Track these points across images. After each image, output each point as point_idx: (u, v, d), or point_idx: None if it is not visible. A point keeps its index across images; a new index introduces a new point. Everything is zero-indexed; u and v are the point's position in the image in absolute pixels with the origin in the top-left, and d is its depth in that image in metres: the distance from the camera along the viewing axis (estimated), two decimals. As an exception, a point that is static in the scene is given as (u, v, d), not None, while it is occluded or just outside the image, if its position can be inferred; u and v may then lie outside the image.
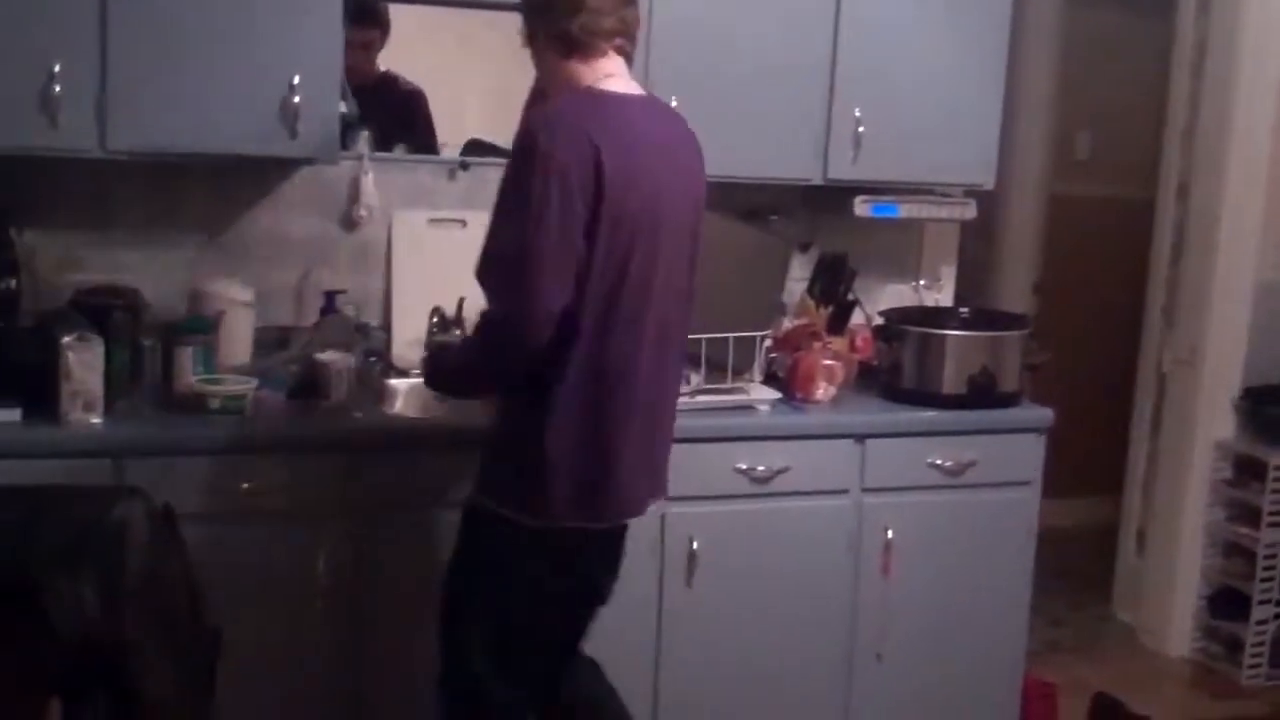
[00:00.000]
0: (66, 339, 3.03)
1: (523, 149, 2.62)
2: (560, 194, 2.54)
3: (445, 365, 2.98)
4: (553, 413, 2.65)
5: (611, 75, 2.74)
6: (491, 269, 2.64)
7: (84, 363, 3.02)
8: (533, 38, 2.82)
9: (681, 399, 3.42)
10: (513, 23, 3.74)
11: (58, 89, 3.07)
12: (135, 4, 3.13)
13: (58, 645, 2.42)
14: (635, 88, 2.78)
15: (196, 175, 3.50)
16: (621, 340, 2.67)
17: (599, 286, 2.61)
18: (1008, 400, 3.74)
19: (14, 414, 3.02)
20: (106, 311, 3.22)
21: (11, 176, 3.18)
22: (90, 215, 3.49)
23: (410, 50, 3.81)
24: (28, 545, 2.41)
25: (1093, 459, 5.42)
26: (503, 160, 3.72)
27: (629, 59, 2.80)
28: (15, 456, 2.91)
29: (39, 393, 3.04)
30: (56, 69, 3.07)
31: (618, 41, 2.75)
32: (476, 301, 3.74)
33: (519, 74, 3.82)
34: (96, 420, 3.03)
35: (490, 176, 3.78)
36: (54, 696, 2.48)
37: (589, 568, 2.89)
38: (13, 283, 3.16)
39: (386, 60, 3.79)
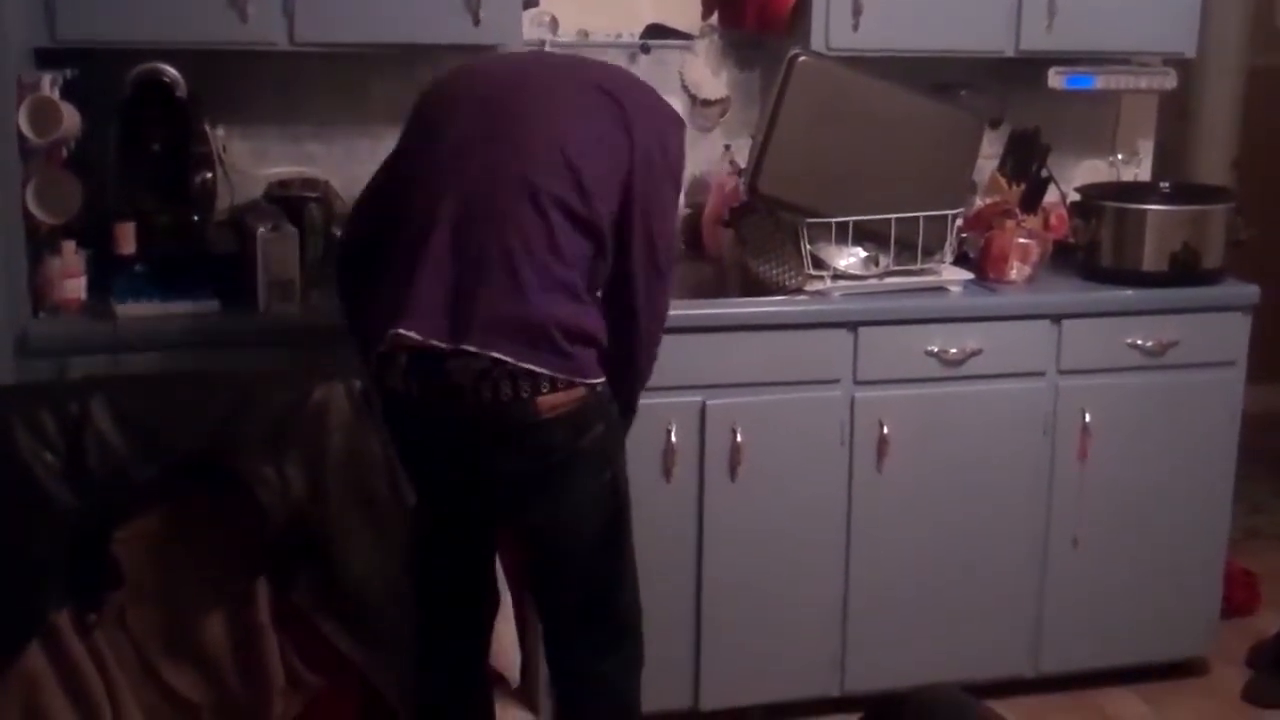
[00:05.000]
0: (262, 230, 3.09)
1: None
2: None
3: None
4: None
5: None
6: None
7: (280, 253, 3.09)
8: None
9: (870, 280, 3.39)
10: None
11: (247, -18, 3.10)
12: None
13: (265, 526, 2.49)
14: None
15: (382, 65, 3.51)
16: None
17: None
18: (1211, 277, 3.60)
19: (212, 305, 3.10)
20: (300, 203, 3.29)
21: (205, 72, 3.22)
22: (280, 109, 3.53)
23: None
24: (234, 430, 2.47)
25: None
26: (683, 43, 3.75)
27: None
28: (215, 346, 3.00)
29: (236, 284, 3.13)
30: (244, -38, 3.10)
31: None
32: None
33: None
34: (293, 309, 3.10)
35: (670, 60, 3.77)
36: (261, 576, 2.55)
37: None
38: (208, 176, 3.21)
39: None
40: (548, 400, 2.49)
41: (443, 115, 2.65)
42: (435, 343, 2.47)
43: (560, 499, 2.59)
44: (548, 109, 2.59)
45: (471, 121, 2.59)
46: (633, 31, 3.76)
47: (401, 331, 2.47)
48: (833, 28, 3.47)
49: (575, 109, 2.60)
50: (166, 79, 3.15)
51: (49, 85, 2.98)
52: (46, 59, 3.10)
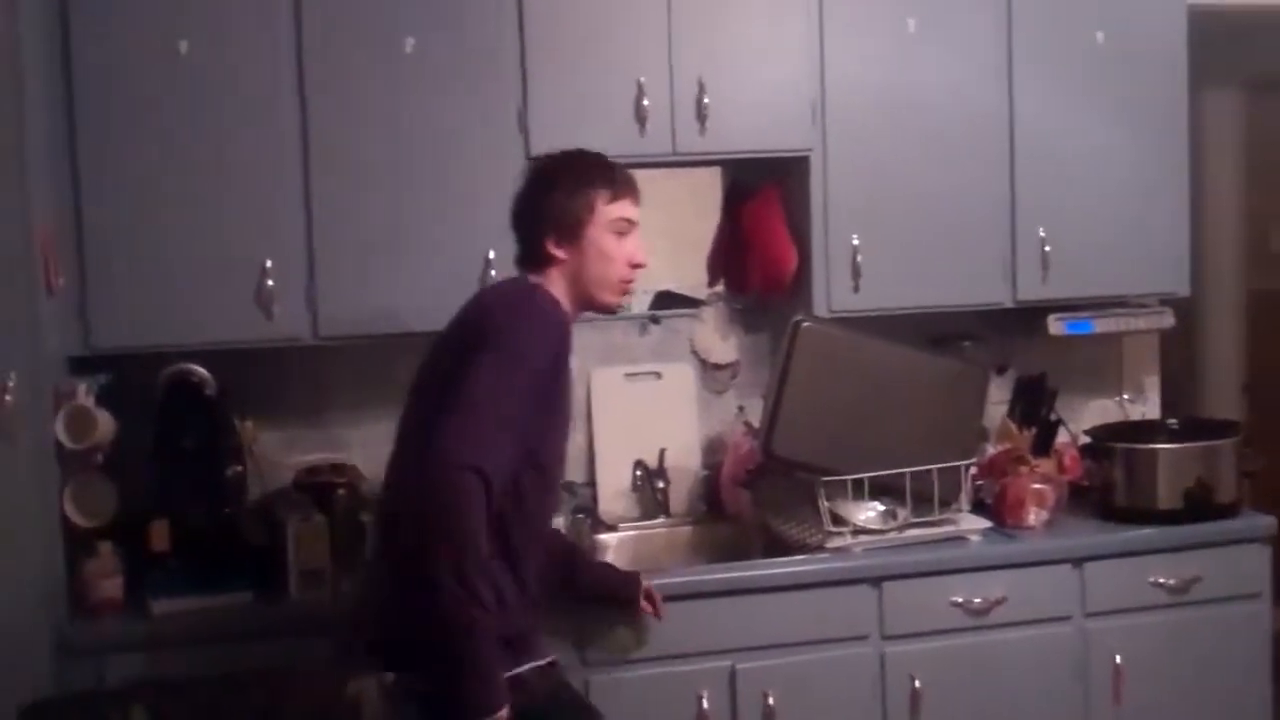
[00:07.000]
0: (292, 520, 3.17)
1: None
2: None
3: None
4: None
5: None
6: None
7: (309, 543, 3.16)
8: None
9: (890, 534, 3.43)
10: (688, 174, 3.84)
11: (270, 284, 3.25)
12: (336, 201, 3.31)
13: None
14: None
15: (405, 350, 3.61)
16: None
17: None
18: (1227, 511, 3.63)
19: (246, 596, 3.16)
20: (328, 489, 3.36)
21: (232, 367, 3.33)
22: (306, 397, 3.65)
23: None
24: (272, 727, 2.51)
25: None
26: (691, 312, 3.88)
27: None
28: (250, 638, 3.03)
29: (269, 573, 3.19)
30: (268, 265, 3.25)
31: None
32: (678, 451, 3.84)
33: (697, 223, 3.95)
34: (324, 596, 3.15)
35: (680, 328, 3.89)
36: None
37: None
38: (239, 469, 3.31)
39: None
40: None
41: None
42: None
43: None
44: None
45: None
46: (646, 289, 3.89)
47: None
48: (834, 291, 3.59)
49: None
50: (196, 379, 3.26)
51: (84, 393, 3.10)
52: (81, 365, 3.23)
